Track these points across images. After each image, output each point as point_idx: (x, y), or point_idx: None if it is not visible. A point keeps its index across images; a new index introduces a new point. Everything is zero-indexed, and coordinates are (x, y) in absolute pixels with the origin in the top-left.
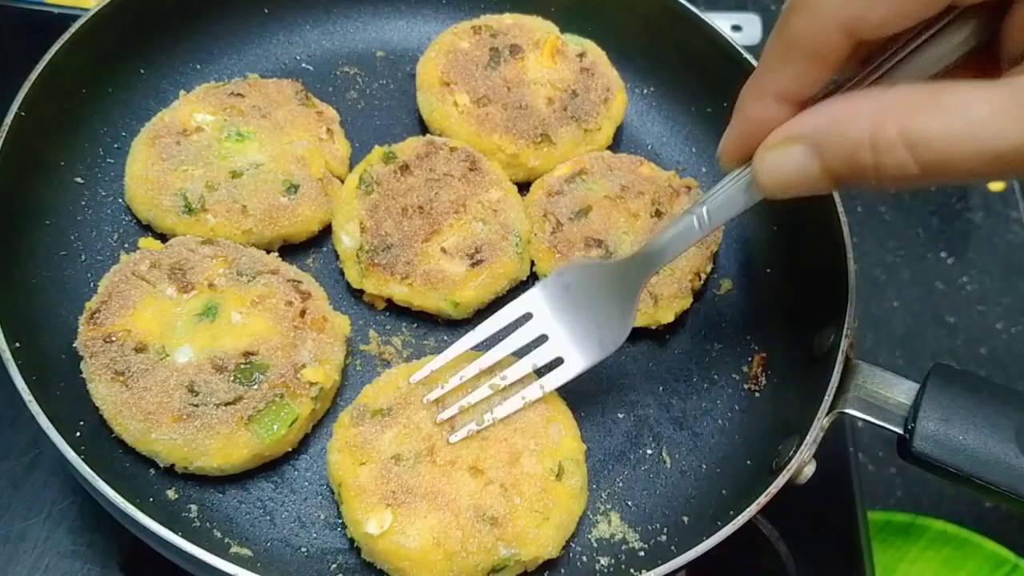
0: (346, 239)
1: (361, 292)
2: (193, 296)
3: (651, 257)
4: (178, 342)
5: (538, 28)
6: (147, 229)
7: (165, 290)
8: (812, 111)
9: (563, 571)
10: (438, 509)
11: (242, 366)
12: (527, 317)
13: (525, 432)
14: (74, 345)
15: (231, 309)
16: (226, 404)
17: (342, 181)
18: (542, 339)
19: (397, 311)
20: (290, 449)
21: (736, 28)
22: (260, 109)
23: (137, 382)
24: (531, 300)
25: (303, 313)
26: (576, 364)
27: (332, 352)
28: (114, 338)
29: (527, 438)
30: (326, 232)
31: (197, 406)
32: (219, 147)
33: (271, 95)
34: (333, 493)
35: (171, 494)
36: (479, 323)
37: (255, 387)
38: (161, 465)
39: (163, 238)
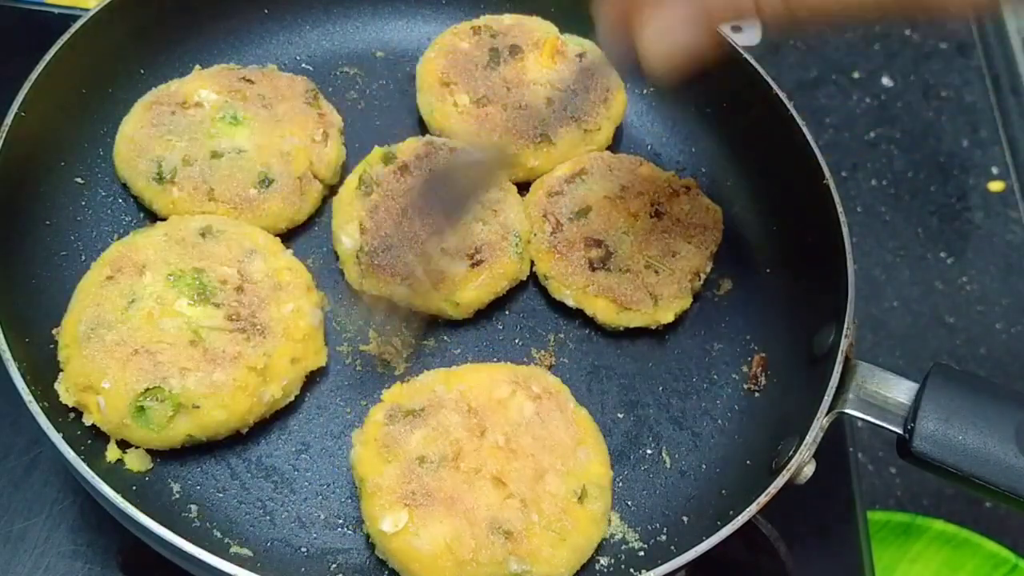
0: (346, 240)
1: (361, 293)
2: None
3: None
4: None
5: (538, 28)
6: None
7: None
8: None
9: None
10: (454, 515)
11: None
12: None
13: (553, 451)
14: None
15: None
16: None
17: (326, 186)
18: None
19: (397, 311)
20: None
21: (736, 28)
22: (264, 98)
23: None
24: None
25: None
26: None
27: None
28: None
29: (554, 457)
30: (310, 233)
31: None
32: (211, 126)
33: (280, 88)
34: (333, 492)
35: (171, 494)
36: (480, 323)
37: None
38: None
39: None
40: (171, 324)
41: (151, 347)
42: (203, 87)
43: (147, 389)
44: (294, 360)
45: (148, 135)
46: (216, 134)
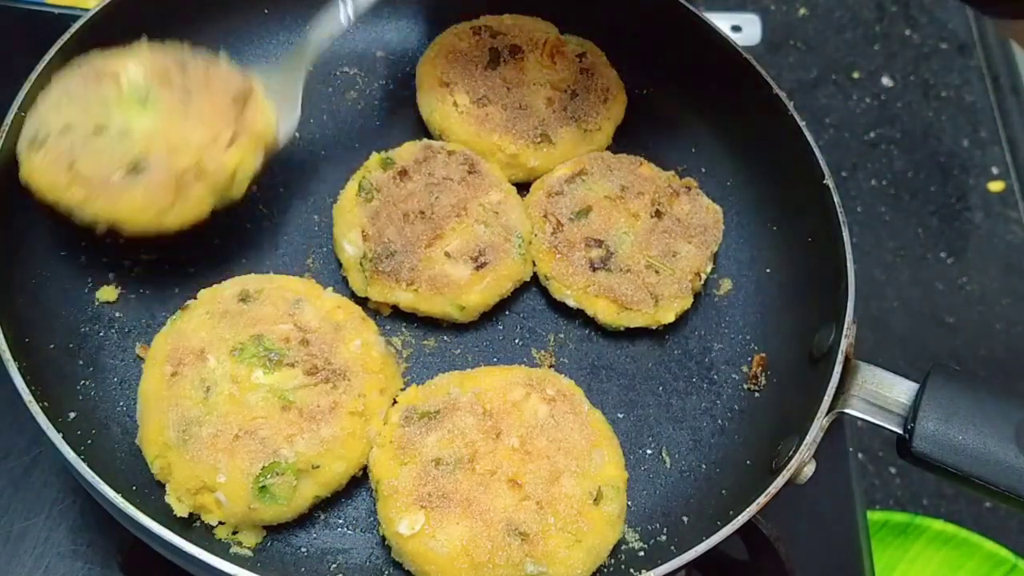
0: (349, 247)
1: (366, 299)
2: None
3: (308, 46)
4: None
5: (538, 28)
6: None
7: None
8: None
9: None
10: (471, 517)
11: None
12: None
13: (568, 453)
14: None
15: None
16: None
17: (217, 195)
18: None
19: (399, 313)
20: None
21: (736, 28)
22: (187, 90)
23: None
24: None
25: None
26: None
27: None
28: None
29: (569, 459)
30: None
31: None
32: (115, 104)
33: (213, 82)
34: (333, 492)
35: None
36: (480, 323)
37: None
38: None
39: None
40: (256, 398)
41: (249, 427)
42: (134, 63)
43: (264, 468)
44: (382, 391)
45: (51, 102)
46: (112, 112)
